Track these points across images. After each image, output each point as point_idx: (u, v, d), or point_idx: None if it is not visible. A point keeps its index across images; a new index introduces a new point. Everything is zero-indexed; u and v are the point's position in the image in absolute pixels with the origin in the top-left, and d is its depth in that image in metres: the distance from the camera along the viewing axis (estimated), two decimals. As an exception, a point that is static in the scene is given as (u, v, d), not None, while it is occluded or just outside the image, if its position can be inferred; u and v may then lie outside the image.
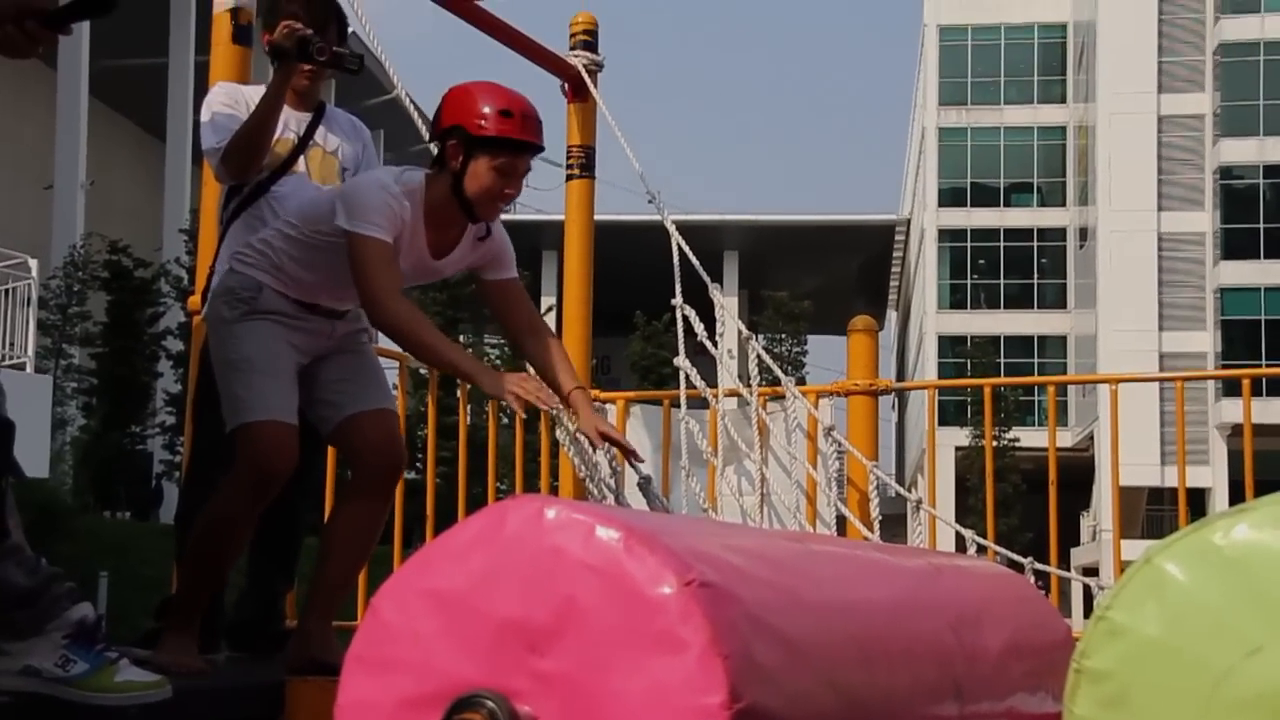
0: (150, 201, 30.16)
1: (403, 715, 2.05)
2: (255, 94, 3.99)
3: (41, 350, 19.90)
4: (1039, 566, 5.41)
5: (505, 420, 9.03)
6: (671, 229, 5.56)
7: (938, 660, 2.53)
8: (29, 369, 16.12)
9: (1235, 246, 43.79)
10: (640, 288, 31.11)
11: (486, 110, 3.34)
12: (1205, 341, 44.23)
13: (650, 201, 5.73)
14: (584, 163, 5.99)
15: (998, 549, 5.45)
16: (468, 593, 2.04)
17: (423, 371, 6.15)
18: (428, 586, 2.08)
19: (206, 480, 3.76)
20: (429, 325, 3.35)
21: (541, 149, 3.41)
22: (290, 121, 4.05)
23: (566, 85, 5.90)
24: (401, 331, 3.33)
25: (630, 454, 3.65)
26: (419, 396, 17.62)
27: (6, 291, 16.06)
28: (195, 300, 4.21)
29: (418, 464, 18.13)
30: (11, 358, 15.89)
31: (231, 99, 4.01)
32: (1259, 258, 43.52)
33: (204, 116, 4.01)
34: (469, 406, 5.89)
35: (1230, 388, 39.70)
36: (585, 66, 5.84)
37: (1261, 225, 43.81)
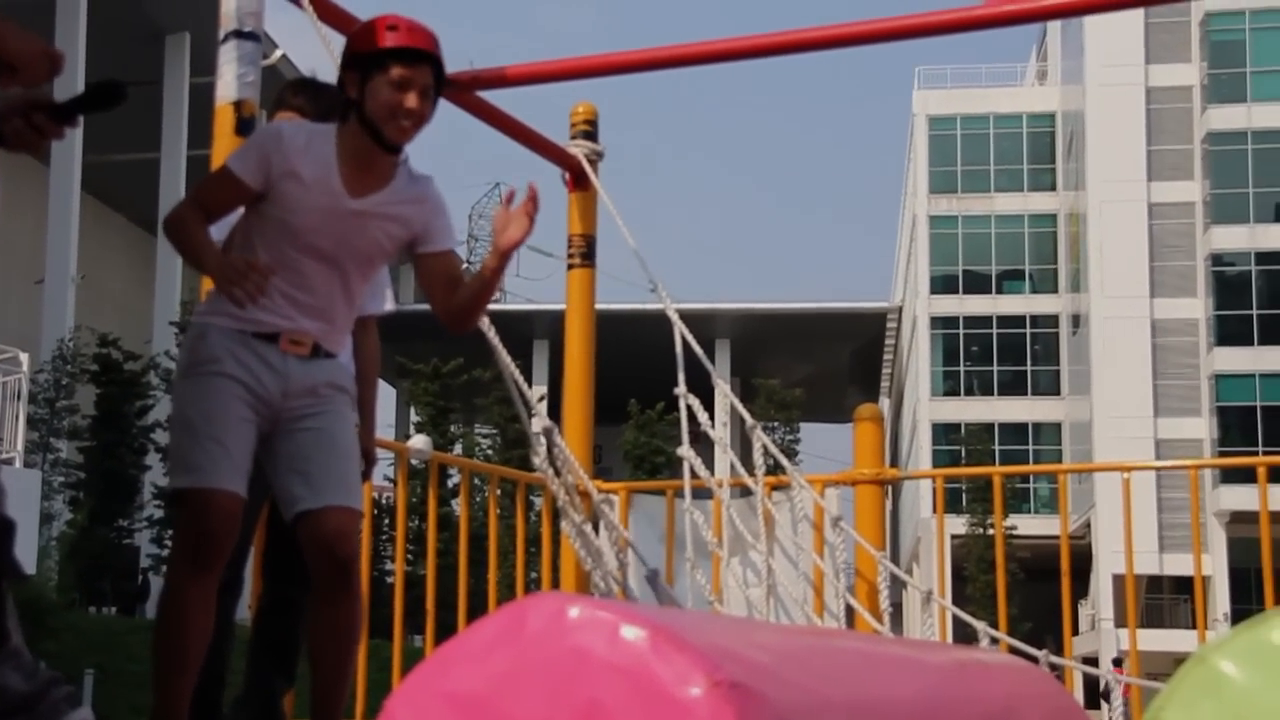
0: (141, 295, 30.18)
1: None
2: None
3: (29, 444, 19.73)
4: (1054, 660, 5.29)
5: (502, 514, 8.92)
6: (674, 317, 5.50)
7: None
8: (18, 463, 15.96)
9: (1228, 333, 43.89)
10: (632, 377, 31.17)
11: (372, 31, 3.32)
12: (1201, 428, 44.17)
13: (652, 291, 5.66)
14: (585, 252, 5.92)
15: (1010, 640, 5.32)
16: (488, 696, 1.91)
17: (416, 463, 6.07)
18: (446, 690, 1.95)
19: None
20: (199, 226, 3.24)
21: (433, 57, 3.32)
22: None
23: (568, 175, 5.85)
24: (170, 224, 3.27)
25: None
26: (416, 485, 17.48)
27: (-3, 385, 15.95)
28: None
29: (408, 555, 17.96)
30: (1, 452, 15.74)
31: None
32: (1253, 344, 43.61)
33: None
34: (472, 498, 5.77)
35: (1229, 475, 39.57)
36: (586, 156, 5.80)
37: (1254, 311, 43.93)
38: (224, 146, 4.13)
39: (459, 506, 5.73)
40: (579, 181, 5.82)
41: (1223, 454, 40.71)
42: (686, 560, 5.32)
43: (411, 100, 3.28)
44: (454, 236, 3.54)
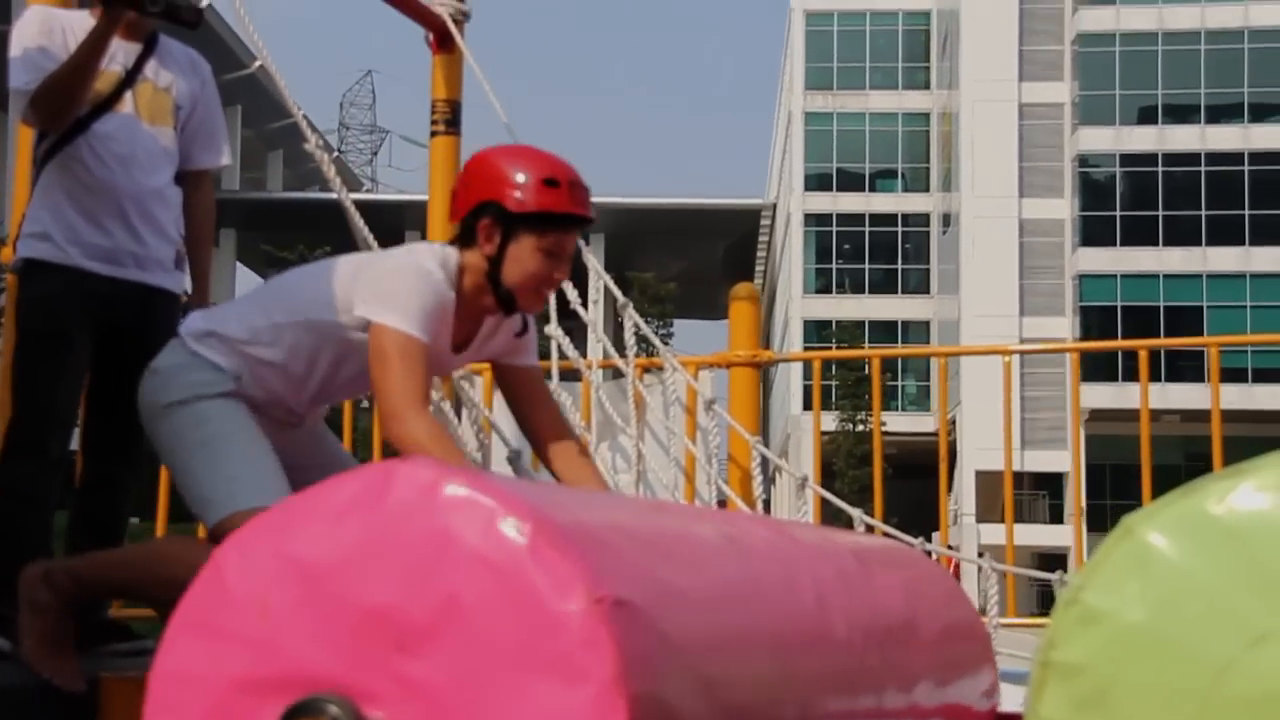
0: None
1: (232, 699, 1.66)
2: (78, 23, 3.51)
3: None
4: (929, 547, 5.17)
5: (365, 403, 8.60)
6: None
7: (868, 669, 2.20)
8: None
9: (1093, 234, 44.59)
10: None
11: (525, 180, 2.78)
12: (1064, 327, 44.96)
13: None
14: (450, 118, 5.57)
15: (886, 529, 5.18)
16: (332, 567, 1.64)
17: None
18: (288, 551, 1.68)
19: (31, 447, 3.37)
20: (454, 448, 2.73)
21: (592, 221, 2.90)
22: (118, 53, 3.57)
23: (431, 36, 5.49)
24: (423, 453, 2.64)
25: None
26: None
27: None
28: (7, 252, 3.73)
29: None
30: None
31: (47, 28, 3.51)
32: (1115, 245, 44.36)
33: (13, 49, 3.50)
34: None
35: (1090, 374, 40.39)
36: (451, 15, 5.44)
37: (1118, 213, 44.65)
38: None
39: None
40: (443, 43, 5.45)
41: (1087, 356, 41.51)
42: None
43: (562, 271, 2.88)
44: (535, 350, 3.18)
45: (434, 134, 5.55)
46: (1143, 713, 1.67)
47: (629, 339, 5.13)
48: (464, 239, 2.87)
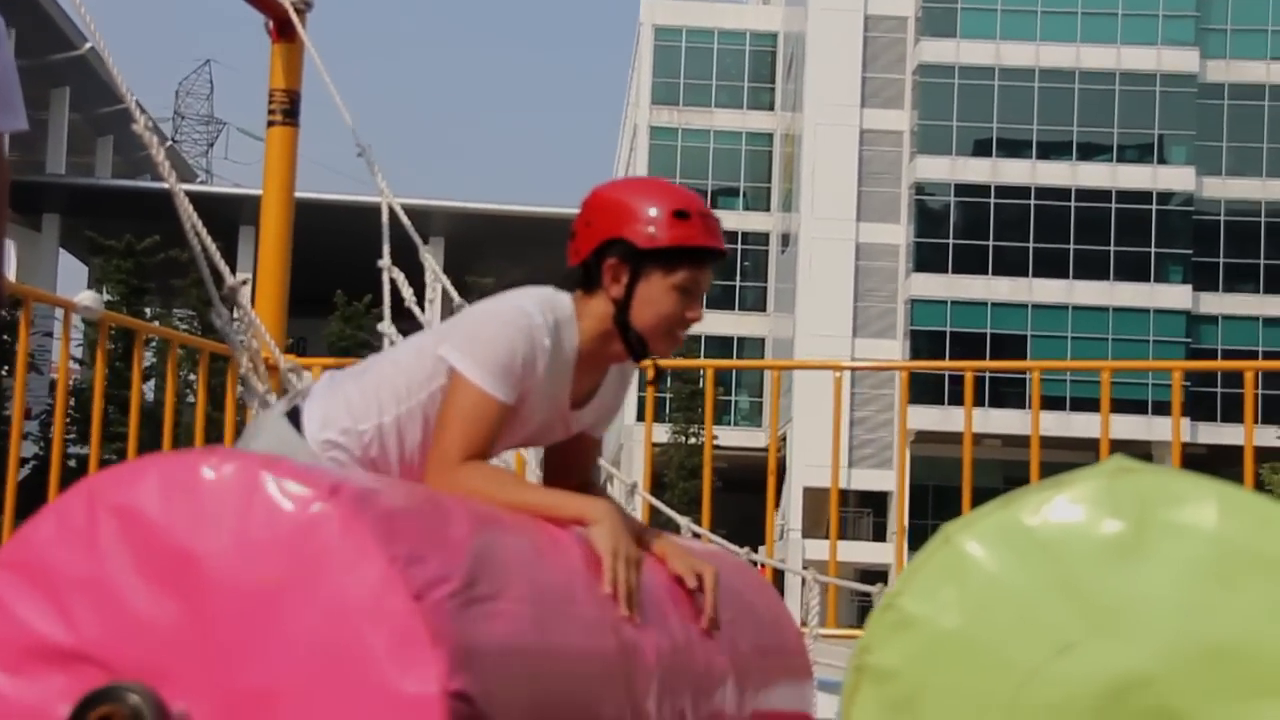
0: None
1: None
2: None
3: None
4: (755, 557, 5.21)
5: (191, 399, 8.40)
6: (382, 183, 5.15)
7: (683, 673, 2.19)
8: None
9: (926, 260, 45.62)
10: (340, 267, 30.32)
11: (655, 214, 2.56)
12: (895, 350, 45.91)
13: (360, 155, 5.28)
14: (288, 109, 5.47)
15: (713, 537, 5.21)
16: (157, 524, 1.61)
17: (83, 321, 5.60)
18: (116, 502, 1.66)
19: None
20: (510, 478, 2.52)
21: (724, 254, 2.65)
22: None
23: (271, 24, 5.38)
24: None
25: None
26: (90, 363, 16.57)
27: None
28: None
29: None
30: None
31: None
32: (947, 271, 45.43)
33: None
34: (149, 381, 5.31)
35: (917, 396, 41.26)
36: (293, 4, 5.34)
37: (951, 241, 45.74)
38: None
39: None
40: (284, 31, 5.35)
41: (915, 376, 42.43)
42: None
43: (696, 311, 2.60)
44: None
45: (271, 124, 5.44)
46: (951, 717, 1.69)
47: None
48: (587, 282, 2.65)
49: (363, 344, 30.46)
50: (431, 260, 5.39)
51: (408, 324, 5.14)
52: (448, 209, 42.85)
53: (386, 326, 5.02)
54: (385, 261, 5.14)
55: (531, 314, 2.54)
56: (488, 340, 2.49)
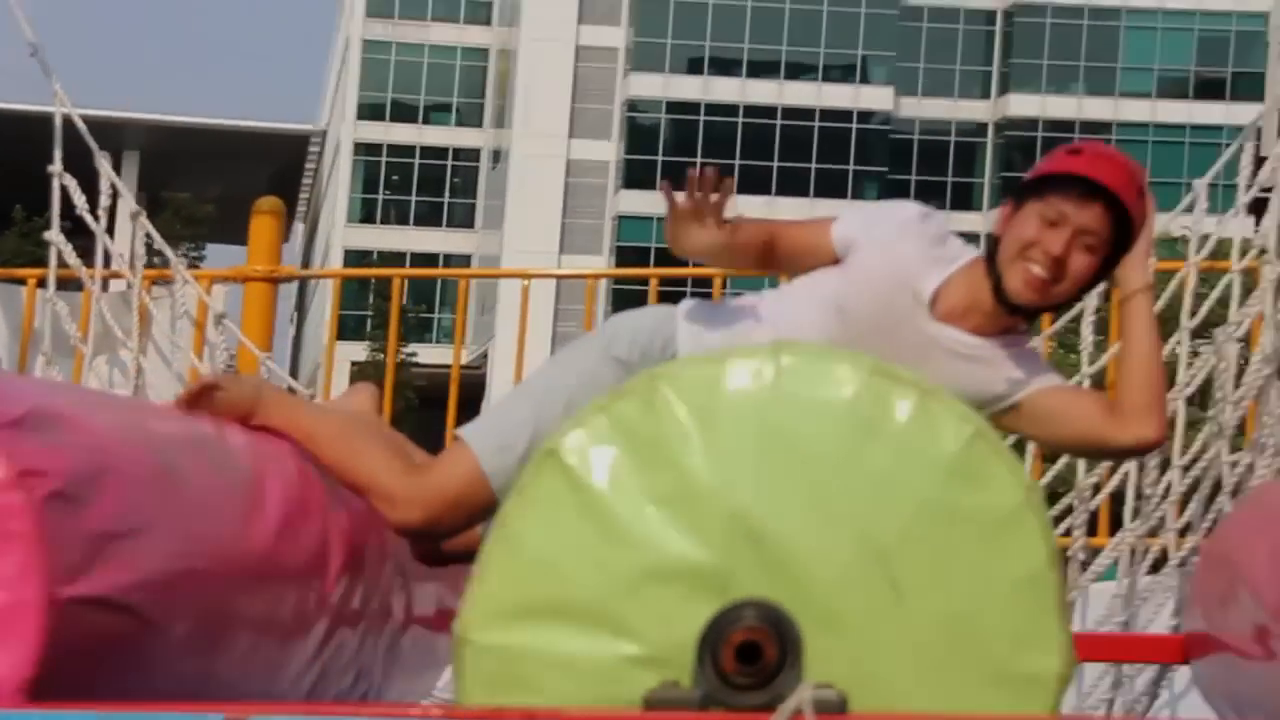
0: None
1: None
2: None
3: None
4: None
5: None
6: (56, 85, 4.90)
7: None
8: None
9: (635, 177, 46.07)
10: (21, 182, 28.77)
11: (1055, 153, 2.50)
12: (601, 266, 46.29)
13: (33, 55, 5.02)
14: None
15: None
16: None
17: None
18: None
19: None
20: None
21: (1117, 197, 2.41)
22: None
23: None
24: None
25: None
26: None
27: None
28: None
29: None
30: None
31: None
32: (654, 188, 45.91)
33: None
34: None
35: (620, 307, 41.67)
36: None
37: (660, 158, 46.26)
38: None
39: None
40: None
41: (617, 289, 42.78)
42: (41, 355, 4.85)
43: (1055, 243, 2.39)
44: None
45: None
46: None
47: (139, 250, 4.95)
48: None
49: (40, 260, 28.97)
50: (107, 166, 5.18)
51: (86, 240, 4.98)
52: (144, 121, 40.99)
53: (54, 234, 4.84)
54: (56, 167, 4.93)
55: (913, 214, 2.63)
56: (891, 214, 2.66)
